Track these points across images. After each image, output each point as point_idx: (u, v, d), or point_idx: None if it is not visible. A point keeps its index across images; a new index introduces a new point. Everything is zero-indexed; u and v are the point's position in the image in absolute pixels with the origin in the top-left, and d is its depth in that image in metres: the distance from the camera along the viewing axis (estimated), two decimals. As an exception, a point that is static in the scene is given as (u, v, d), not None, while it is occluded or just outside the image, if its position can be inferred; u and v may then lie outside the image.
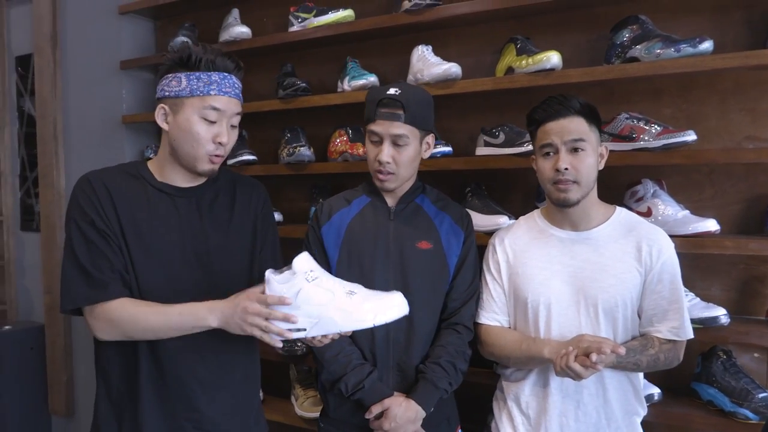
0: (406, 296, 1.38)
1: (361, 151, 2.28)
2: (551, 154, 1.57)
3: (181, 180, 1.51)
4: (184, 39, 2.62)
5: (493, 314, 1.70)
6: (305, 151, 2.35)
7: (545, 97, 1.62)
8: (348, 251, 1.70)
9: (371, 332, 1.65)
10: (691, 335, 1.54)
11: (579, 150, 1.53)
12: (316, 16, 2.33)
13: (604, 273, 1.55)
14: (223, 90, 1.42)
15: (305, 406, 2.41)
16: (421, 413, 1.62)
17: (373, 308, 1.32)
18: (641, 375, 1.62)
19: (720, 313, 1.74)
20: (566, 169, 1.52)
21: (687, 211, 1.82)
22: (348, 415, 1.71)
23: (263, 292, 1.31)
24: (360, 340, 1.68)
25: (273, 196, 2.62)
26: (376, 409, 1.62)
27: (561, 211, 1.61)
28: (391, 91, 1.63)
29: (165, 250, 1.45)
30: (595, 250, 1.57)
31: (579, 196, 1.54)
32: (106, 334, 1.42)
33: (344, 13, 2.29)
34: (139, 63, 2.87)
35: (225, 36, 2.52)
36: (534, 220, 1.71)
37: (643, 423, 1.62)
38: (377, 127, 1.64)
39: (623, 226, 1.58)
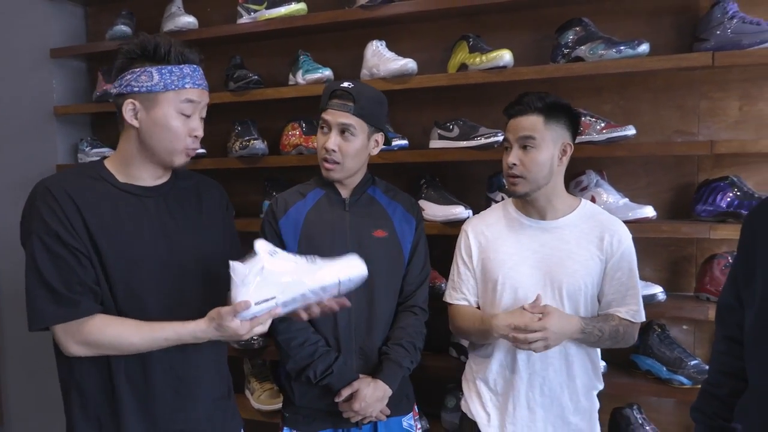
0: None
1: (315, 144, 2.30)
2: (508, 149, 1.68)
3: (147, 178, 1.47)
4: (125, 29, 2.53)
5: (462, 295, 1.80)
6: (259, 144, 2.34)
7: (498, 93, 1.75)
8: (307, 243, 1.74)
9: (334, 319, 1.71)
10: (644, 318, 1.68)
11: (528, 147, 1.63)
12: (267, 8, 2.32)
13: (569, 260, 1.66)
14: (197, 82, 1.41)
15: (262, 399, 2.42)
16: (388, 392, 1.71)
17: (337, 266, 1.39)
18: (599, 352, 1.76)
19: (658, 290, 1.93)
20: (514, 164, 1.63)
21: (627, 199, 1.99)
22: (314, 401, 1.76)
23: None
24: (323, 327, 1.74)
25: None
26: (346, 392, 1.68)
27: (529, 201, 1.71)
28: (345, 84, 1.71)
29: (139, 253, 1.41)
30: (561, 239, 1.69)
31: (526, 190, 1.66)
32: (81, 352, 1.37)
33: (297, 7, 2.30)
34: (70, 52, 2.74)
35: (170, 26, 2.45)
36: (505, 209, 1.80)
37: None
38: (327, 115, 1.71)
39: (587, 217, 1.71)
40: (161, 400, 1.44)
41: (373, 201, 1.81)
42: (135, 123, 1.39)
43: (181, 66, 1.38)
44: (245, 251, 1.38)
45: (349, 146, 1.70)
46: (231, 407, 1.62)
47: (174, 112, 1.39)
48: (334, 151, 1.69)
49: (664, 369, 1.96)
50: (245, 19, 2.38)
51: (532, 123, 1.64)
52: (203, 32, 2.44)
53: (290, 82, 2.37)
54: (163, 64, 1.38)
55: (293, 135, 2.37)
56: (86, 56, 2.83)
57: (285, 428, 1.80)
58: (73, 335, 1.35)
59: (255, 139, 2.34)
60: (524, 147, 1.64)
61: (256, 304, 1.30)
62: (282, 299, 1.34)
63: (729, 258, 1.92)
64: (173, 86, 1.37)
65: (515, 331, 1.55)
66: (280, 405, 2.38)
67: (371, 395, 1.68)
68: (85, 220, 1.35)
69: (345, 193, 1.79)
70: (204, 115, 1.47)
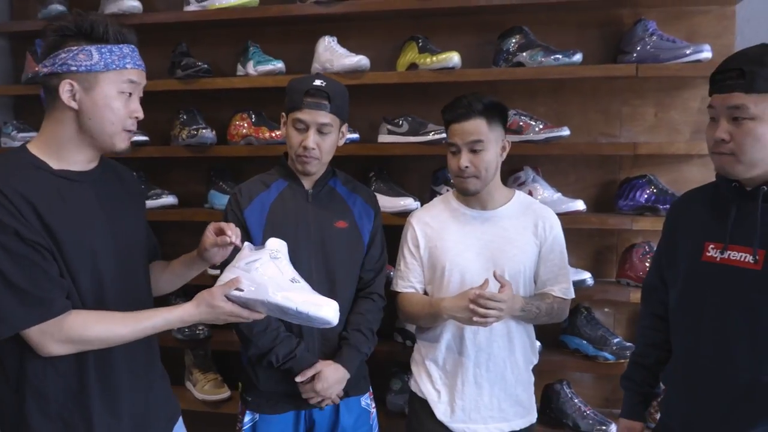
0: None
1: (267, 135, 2.34)
2: (456, 153, 1.80)
3: (80, 163, 1.39)
4: (60, 8, 2.42)
5: (409, 282, 1.90)
6: (208, 134, 2.33)
7: (443, 92, 1.85)
8: (272, 233, 1.76)
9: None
10: (573, 296, 1.88)
11: (477, 150, 1.76)
12: (219, -3, 2.32)
13: (509, 245, 1.82)
14: (137, 63, 1.37)
15: (207, 389, 2.42)
16: (347, 375, 1.79)
17: (306, 298, 1.39)
18: (534, 330, 1.93)
19: (587, 276, 2.15)
20: (466, 167, 1.76)
21: (560, 194, 2.20)
22: (277, 384, 1.80)
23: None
24: None
25: (164, 178, 2.60)
26: (309, 373, 1.75)
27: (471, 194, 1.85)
28: (317, 82, 1.75)
29: (93, 241, 1.36)
30: (500, 226, 1.84)
31: (478, 187, 1.80)
32: (63, 351, 1.31)
33: (248, -2, 2.32)
34: (-7, 29, 2.58)
35: (111, 8, 2.37)
36: (448, 201, 1.93)
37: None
38: (304, 115, 1.74)
39: (522, 206, 1.87)
40: (124, 388, 1.43)
41: (334, 192, 1.88)
42: (73, 105, 1.32)
43: (120, 46, 1.33)
44: (185, 239, 1.41)
45: (327, 143, 1.76)
46: (165, 390, 1.61)
47: (115, 92, 1.33)
48: (314, 149, 1.74)
49: (591, 347, 2.19)
50: (193, 6, 2.36)
51: (477, 127, 1.75)
52: (147, 17, 2.39)
53: (239, 73, 2.38)
54: (102, 44, 1.31)
55: (242, 126, 2.38)
56: (9, 35, 2.67)
57: (248, 411, 1.83)
58: (52, 335, 1.28)
59: (204, 128, 2.33)
60: (473, 150, 1.76)
61: (236, 290, 1.36)
62: (246, 295, 1.37)
63: (646, 247, 2.17)
64: (114, 66, 1.31)
65: (476, 303, 1.63)
66: (226, 394, 2.41)
67: (332, 377, 1.75)
68: (38, 213, 1.28)
69: (308, 184, 1.85)
70: (141, 95, 1.42)
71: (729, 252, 1.36)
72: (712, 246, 1.40)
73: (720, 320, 1.37)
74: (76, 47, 1.30)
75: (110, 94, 1.33)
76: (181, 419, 1.63)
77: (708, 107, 1.38)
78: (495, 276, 1.69)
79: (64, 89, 1.30)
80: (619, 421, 1.70)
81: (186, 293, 2.02)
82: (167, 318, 1.37)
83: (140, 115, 1.40)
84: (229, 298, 1.37)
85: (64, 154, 1.36)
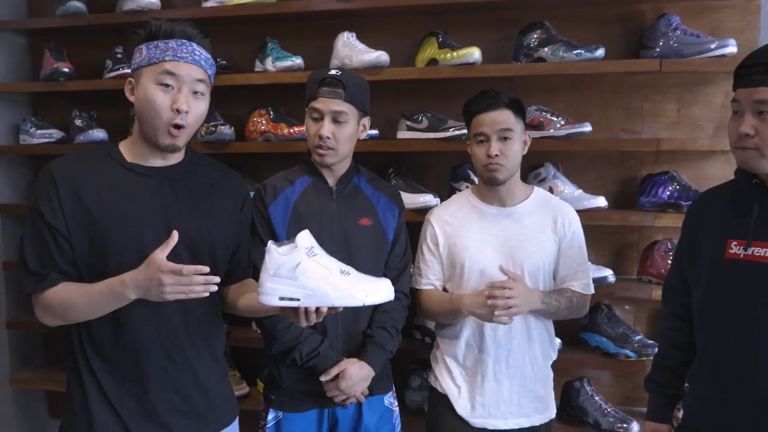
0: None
1: (285, 131, 2.33)
2: (484, 141, 1.79)
3: (153, 158, 1.47)
4: (78, 5, 2.43)
5: (428, 280, 1.90)
6: (226, 130, 2.33)
7: (462, 89, 1.86)
8: (296, 229, 1.73)
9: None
10: (593, 291, 1.87)
11: (507, 138, 1.77)
12: (237, -7, 2.31)
13: (528, 242, 1.82)
14: (179, 55, 1.39)
15: (226, 385, 2.41)
16: (372, 373, 1.78)
17: (365, 288, 1.41)
18: (553, 326, 1.92)
19: (608, 273, 2.13)
20: (496, 155, 1.76)
21: (581, 190, 2.18)
22: (301, 383, 1.80)
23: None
24: None
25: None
26: (334, 371, 1.74)
27: (490, 189, 1.85)
28: (333, 72, 1.77)
29: (137, 232, 1.41)
30: (519, 223, 1.84)
31: (506, 176, 1.79)
32: (48, 320, 1.44)
33: (267, -6, 2.31)
34: (12, 26, 2.59)
35: (129, 5, 2.38)
36: (466, 198, 1.93)
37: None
38: (319, 104, 1.75)
39: (541, 203, 1.87)
40: (152, 377, 1.46)
41: (358, 190, 1.87)
42: (132, 99, 1.45)
43: (166, 41, 1.39)
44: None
45: (343, 132, 1.75)
46: (227, 390, 1.65)
47: (153, 84, 1.39)
48: (328, 138, 1.73)
49: (612, 344, 2.17)
50: (211, 2, 2.35)
51: (506, 117, 1.77)
52: (165, 13, 2.39)
53: (257, 69, 2.38)
54: (153, 41, 1.41)
55: (260, 122, 2.38)
56: (28, 32, 2.68)
57: (271, 410, 1.82)
58: (40, 305, 1.43)
59: (222, 125, 2.33)
60: (503, 138, 1.76)
61: (280, 299, 1.34)
62: (304, 304, 1.36)
63: (668, 244, 2.16)
64: (155, 59, 1.39)
65: (492, 290, 1.65)
66: (245, 391, 2.42)
67: (356, 374, 1.75)
68: (81, 199, 1.39)
69: (332, 181, 1.84)
70: (200, 90, 1.44)
71: (753, 248, 1.36)
72: (735, 243, 1.39)
73: (747, 318, 1.37)
74: (136, 49, 1.43)
75: (148, 87, 1.40)
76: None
77: (732, 101, 1.37)
78: (502, 270, 1.70)
79: (127, 87, 1.45)
80: (644, 424, 1.68)
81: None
82: (110, 286, 1.35)
83: (181, 106, 1.39)
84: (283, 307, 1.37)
85: (136, 148, 1.48)
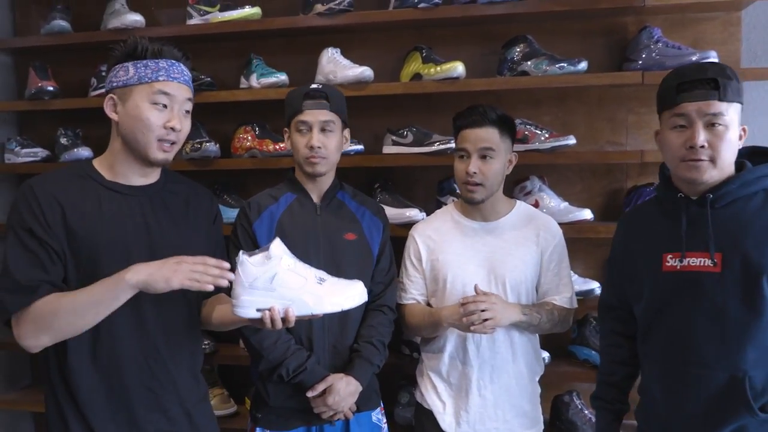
0: None
1: (271, 147, 2.32)
2: (465, 157, 1.79)
3: (133, 176, 1.48)
4: (63, 23, 2.43)
5: (411, 294, 1.91)
6: (211, 147, 2.33)
7: (447, 103, 1.88)
8: None
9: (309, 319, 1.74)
10: (576, 305, 1.87)
11: (488, 157, 1.77)
12: (221, 11, 2.31)
13: (509, 256, 1.81)
14: (172, 75, 1.43)
15: (213, 404, 2.37)
16: (359, 387, 1.78)
17: (342, 293, 1.43)
18: (538, 340, 1.91)
19: (595, 286, 2.13)
20: (474, 173, 1.75)
21: (567, 203, 2.18)
22: (288, 400, 1.79)
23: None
24: (297, 326, 1.75)
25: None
26: (321, 386, 1.73)
27: (474, 206, 1.84)
28: (314, 85, 1.82)
29: (122, 252, 1.41)
30: (501, 237, 1.84)
31: (483, 197, 1.79)
32: (33, 338, 1.35)
33: (251, 11, 2.31)
34: (-2, 45, 2.58)
35: (114, 23, 2.38)
36: (449, 213, 1.93)
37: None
38: (306, 116, 1.78)
39: (523, 217, 1.87)
40: (135, 399, 1.44)
41: (343, 205, 1.88)
42: (114, 116, 1.44)
43: (157, 60, 1.42)
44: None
45: (331, 141, 1.78)
46: (209, 410, 1.63)
47: (147, 103, 1.41)
48: (320, 147, 1.75)
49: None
50: (196, 20, 2.36)
51: (490, 135, 1.76)
52: (150, 31, 2.38)
53: (242, 86, 2.38)
54: (140, 60, 1.42)
55: (245, 138, 2.37)
56: (13, 50, 2.67)
57: (258, 429, 1.81)
58: (25, 321, 1.35)
59: (207, 142, 2.32)
60: (483, 157, 1.76)
61: (257, 310, 1.34)
62: (283, 314, 1.37)
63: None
64: (147, 79, 1.41)
65: (465, 302, 1.66)
66: (232, 409, 2.40)
67: (344, 390, 1.74)
68: (66, 218, 1.38)
69: (316, 197, 1.84)
70: (188, 109, 1.48)
71: (688, 259, 1.42)
72: (670, 256, 1.45)
73: (689, 326, 1.42)
74: (119, 66, 1.43)
75: (142, 105, 1.41)
76: None
77: (675, 116, 1.40)
78: (476, 289, 1.70)
79: (108, 103, 1.44)
80: None
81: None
82: (104, 282, 1.33)
83: (176, 125, 1.43)
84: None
85: (116, 167, 1.47)
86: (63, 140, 2.53)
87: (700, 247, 1.40)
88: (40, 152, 2.54)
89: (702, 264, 1.40)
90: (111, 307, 1.34)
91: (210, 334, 2.32)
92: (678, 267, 1.43)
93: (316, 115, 1.76)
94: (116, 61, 1.44)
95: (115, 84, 1.43)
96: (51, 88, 2.46)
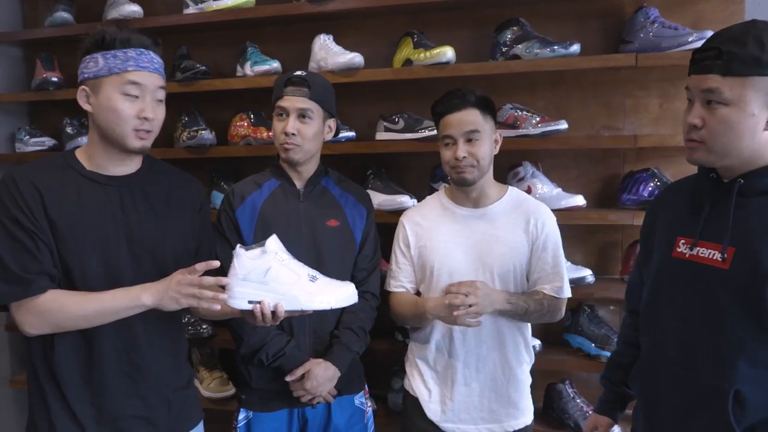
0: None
1: (265, 135, 2.35)
2: (451, 144, 1.77)
3: (112, 166, 1.50)
4: (65, 15, 2.49)
5: (399, 282, 1.89)
6: (207, 135, 2.36)
7: (440, 88, 1.82)
8: (263, 232, 1.78)
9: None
10: (569, 294, 1.82)
11: (474, 140, 1.74)
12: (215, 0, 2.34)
13: (498, 243, 1.78)
14: (141, 65, 1.43)
15: (212, 387, 2.45)
16: (337, 373, 1.80)
17: (333, 293, 1.47)
18: (529, 329, 1.89)
19: (587, 273, 2.09)
20: (464, 157, 1.73)
21: (560, 189, 2.14)
22: (270, 383, 1.82)
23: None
24: None
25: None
26: (299, 371, 1.76)
27: (462, 190, 1.82)
28: (298, 72, 1.81)
29: (100, 241, 1.44)
30: (490, 224, 1.80)
31: (476, 176, 1.76)
32: (35, 328, 1.41)
33: (244, -1, 2.33)
34: (6, 38, 2.66)
35: (113, 14, 2.43)
36: (439, 199, 1.91)
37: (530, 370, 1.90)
38: (284, 102, 1.78)
39: (514, 203, 1.83)
40: (114, 386, 1.48)
41: (326, 192, 1.88)
42: (88, 108, 1.46)
43: (125, 50, 1.42)
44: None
45: (308, 129, 1.78)
46: (191, 397, 1.66)
47: (118, 94, 1.41)
48: (293, 134, 1.76)
49: (593, 346, 2.13)
50: (192, 9, 2.39)
51: (473, 117, 1.73)
52: (148, 21, 2.42)
53: (238, 74, 2.40)
54: (109, 50, 1.42)
55: (241, 126, 2.40)
56: (23, 43, 2.75)
57: (242, 410, 1.85)
58: (26, 311, 1.39)
59: (203, 130, 2.36)
60: (470, 140, 1.73)
61: (249, 302, 1.38)
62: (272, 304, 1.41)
63: (650, 243, 2.10)
64: (116, 69, 1.41)
65: (449, 290, 1.66)
66: (231, 392, 2.44)
67: (322, 375, 1.76)
68: (46, 207, 1.40)
69: (299, 184, 1.85)
70: (161, 97, 1.49)
71: (698, 248, 1.28)
72: (683, 241, 1.32)
73: (685, 321, 1.30)
74: (89, 57, 1.44)
75: (113, 96, 1.42)
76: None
77: (685, 89, 1.27)
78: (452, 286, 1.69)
79: (81, 95, 1.46)
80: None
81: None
82: (126, 291, 1.40)
83: (149, 114, 1.44)
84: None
85: (95, 158, 1.49)
86: (68, 129, 2.60)
87: (714, 237, 1.25)
88: (48, 141, 2.61)
89: (710, 257, 1.25)
90: (121, 317, 1.41)
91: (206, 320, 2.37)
92: (687, 255, 1.30)
93: (294, 102, 1.76)
94: (85, 51, 1.44)
95: (86, 75, 1.43)
96: (55, 79, 2.53)
